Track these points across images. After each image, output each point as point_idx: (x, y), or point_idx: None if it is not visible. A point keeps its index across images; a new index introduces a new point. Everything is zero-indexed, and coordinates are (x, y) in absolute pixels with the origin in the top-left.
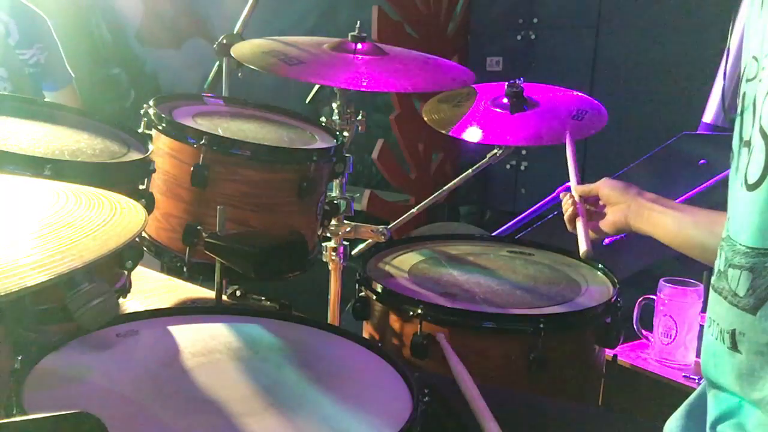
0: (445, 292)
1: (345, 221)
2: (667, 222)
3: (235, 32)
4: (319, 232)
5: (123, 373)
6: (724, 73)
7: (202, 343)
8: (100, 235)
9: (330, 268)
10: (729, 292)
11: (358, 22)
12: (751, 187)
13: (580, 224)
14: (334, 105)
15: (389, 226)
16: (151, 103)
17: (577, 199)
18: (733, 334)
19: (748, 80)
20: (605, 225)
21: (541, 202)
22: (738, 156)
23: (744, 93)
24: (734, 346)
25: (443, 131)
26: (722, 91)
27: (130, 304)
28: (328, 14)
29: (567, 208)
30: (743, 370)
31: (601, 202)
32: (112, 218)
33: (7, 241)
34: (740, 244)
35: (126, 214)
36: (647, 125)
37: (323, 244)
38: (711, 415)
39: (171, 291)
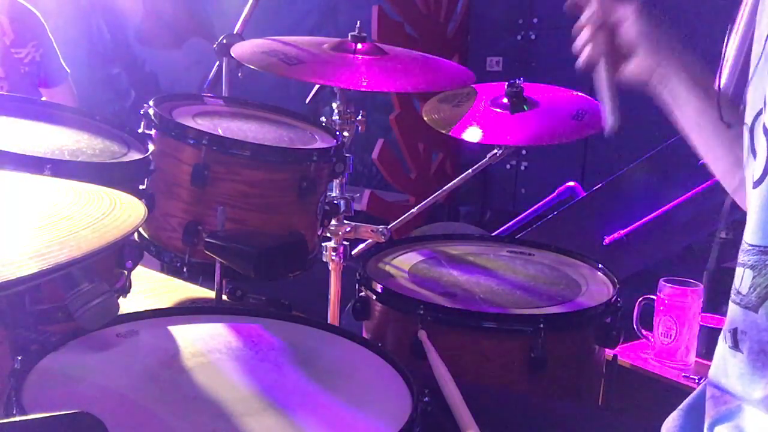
0: (445, 292)
1: (345, 221)
2: (689, 104)
3: (235, 32)
4: (319, 232)
5: (123, 373)
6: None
7: (202, 343)
8: (99, 228)
9: (330, 268)
10: (732, 290)
11: (358, 22)
12: (755, 184)
13: (604, 78)
14: (334, 105)
15: (389, 226)
16: (151, 103)
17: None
18: (734, 332)
19: None
20: (624, 71)
21: (541, 202)
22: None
23: None
24: (736, 345)
25: (443, 131)
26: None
27: (130, 304)
28: (328, 14)
29: (586, 41)
30: (744, 369)
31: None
32: (111, 212)
33: (6, 233)
34: (745, 242)
35: (125, 208)
36: (647, 125)
37: (323, 244)
38: (710, 417)
39: (171, 291)
